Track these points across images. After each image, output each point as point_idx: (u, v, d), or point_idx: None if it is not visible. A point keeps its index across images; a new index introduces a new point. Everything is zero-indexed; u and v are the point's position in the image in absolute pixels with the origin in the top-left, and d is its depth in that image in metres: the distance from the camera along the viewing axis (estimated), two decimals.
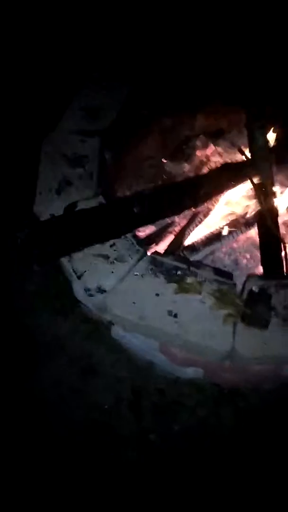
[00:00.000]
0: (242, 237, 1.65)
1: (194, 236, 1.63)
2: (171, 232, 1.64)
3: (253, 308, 1.07)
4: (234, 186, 1.57)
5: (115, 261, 1.18)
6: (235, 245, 1.66)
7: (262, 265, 1.45)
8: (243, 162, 1.59)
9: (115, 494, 1.28)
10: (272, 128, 1.78)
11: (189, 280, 1.14)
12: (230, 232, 1.60)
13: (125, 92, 1.57)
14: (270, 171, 1.54)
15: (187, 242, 1.60)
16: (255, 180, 1.53)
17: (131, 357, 1.42)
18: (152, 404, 1.40)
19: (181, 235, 1.60)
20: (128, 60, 1.65)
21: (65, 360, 1.50)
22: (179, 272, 1.15)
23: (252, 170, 1.55)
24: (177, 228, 1.64)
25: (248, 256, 1.63)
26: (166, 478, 1.30)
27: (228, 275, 1.16)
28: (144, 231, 1.69)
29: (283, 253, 1.43)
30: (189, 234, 1.62)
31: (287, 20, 1.85)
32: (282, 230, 1.66)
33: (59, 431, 1.36)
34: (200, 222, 1.66)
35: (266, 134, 1.56)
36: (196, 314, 1.09)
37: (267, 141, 1.56)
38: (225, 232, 1.59)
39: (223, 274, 1.16)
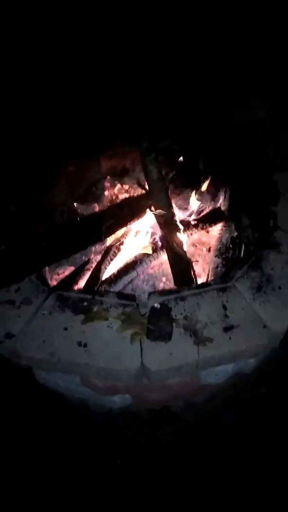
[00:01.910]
0: (156, 263, 1.75)
1: (111, 269, 1.70)
2: (88, 269, 1.70)
3: (155, 323, 1.13)
4: (137, 217, 1.68)
5: (21, 305, 1.20)
6: (151, 271, 1.75)
7: (174, 283, 1.54)
8: (141, 195, 1.72)
9: None
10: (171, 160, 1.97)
11: (95, 308, 1.19)
12: (143, 260, 1.69)
13: (20, 149, 1.67)
14: (167, 200, 1.67)
15: (105, 276, 1.67)
16: (156, 209, 1.65)
17: (61, 398, 1.41)
18: (92, 443, 1.37)
19: (97, 271, 1.66)
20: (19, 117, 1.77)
21: None
22: (85, 303, 1.20)
23: (150, 201, 1.68)
24: (93, 265, 1.70)
25: (164, 279, 1.71)
26: None
27: (131, 298, 1.22)
28: (62, 272, 1.75)
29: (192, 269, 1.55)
30: (106, 268, 1.69)
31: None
32: (191, 248, 1.79)
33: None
34: (114, 256, 1.74)
35: (158, 166, 1.70)
36: (105, 340, 1.13)
37: (161, 173, 1.70)
38: (138, 261, 1.68)
39: (126, 297, 1.22)
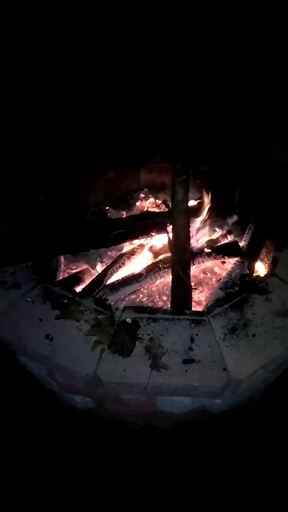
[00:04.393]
0: (162, 280, 1.77)
1: (117, 276, 1.75)
2: (97, 272, 1.77)
3: (119, 337, 1.16)
4: (149, 233, 1.72)
5: (11, 287, 1.30)
6: (154, 288, 1.77)
7: (171, 305, 1.55)
8: (163, 212, 1.75)
9: None
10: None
11: (72, 308, 1.25)
12: (149, 275, 1.72)
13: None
14: (185, 224, 1.67)
15: (109, 281, 1.72)
16: (171, 230, 1.67)
17: (36, 384, 1.48)
18: (54, 437, 1.43)
19: (103, 274, 1.73)
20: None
21: None
22: (64, 301, 1.27)
23: (169, 221, 1.70)
24: (103, 268, 1.77)
25: (164, 298, 1.73)
26: None
27: (107, 307, 1.26)
28: (75, 268, 1.84)
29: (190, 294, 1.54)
30: (112, 274, 1.75)
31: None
32: (200, 275, 1.78)
33: None
34: (124, 264, 1.79)
35: (186, 189, 1.71)
36: (70, 339, 1.18)
37: (186, 195, 1.72)
38: (144, 274, 1.72)
39: (103, 305, 1.26)
